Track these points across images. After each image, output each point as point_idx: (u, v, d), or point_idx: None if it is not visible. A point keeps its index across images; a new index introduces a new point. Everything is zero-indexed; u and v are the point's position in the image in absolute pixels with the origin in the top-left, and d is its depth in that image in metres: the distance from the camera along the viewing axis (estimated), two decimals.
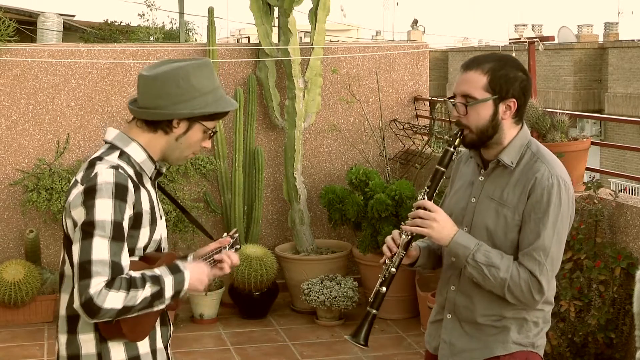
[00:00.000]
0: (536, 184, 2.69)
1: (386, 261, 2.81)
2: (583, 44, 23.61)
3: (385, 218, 6.33)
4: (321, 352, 5.98)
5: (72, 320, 2.55)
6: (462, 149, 2.85)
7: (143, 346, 2.60)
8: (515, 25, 36.46)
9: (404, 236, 2.80)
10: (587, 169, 5.65)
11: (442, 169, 2.80)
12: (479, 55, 2.86)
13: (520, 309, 2.77)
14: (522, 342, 2.79)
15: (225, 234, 2.90)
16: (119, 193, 2.46)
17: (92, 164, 2.53)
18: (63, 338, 2.58)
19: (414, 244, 2.89)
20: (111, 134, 2.62)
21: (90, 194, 2.45)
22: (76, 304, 2.41)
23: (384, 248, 2.85)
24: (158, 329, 2.66)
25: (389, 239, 2.85)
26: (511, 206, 2.72)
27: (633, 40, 22.47)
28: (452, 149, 2.78)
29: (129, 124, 2.65)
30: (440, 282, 2.97)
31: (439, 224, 2.73)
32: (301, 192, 7.00)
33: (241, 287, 6.55)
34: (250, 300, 6.61)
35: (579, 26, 28.73)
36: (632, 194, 14.73)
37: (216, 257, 2.76)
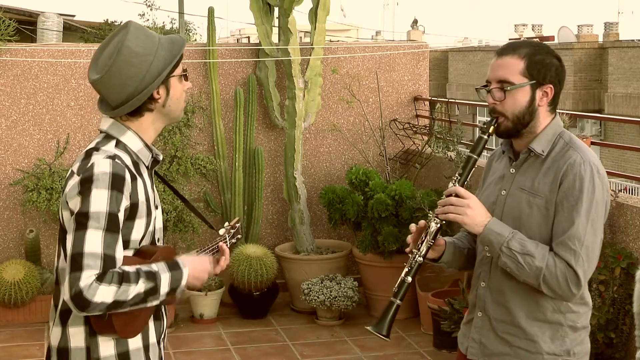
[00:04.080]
0: (568, 170, 2.59)
1: (413, 250, 2.70)
2: (583, 44, 23.61)
3: (385, 218, 6.33)
4: (321, 352, 5.98)
5: (65, 314, 2.54)
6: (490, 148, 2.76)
7: (134, 342, 2.56)
8: (515, 25, 36.51)
9: (433, 224, 2.66)
10: None
11: (475, 156, 2.70)
12: (514, 41, 2.76)
13: (555, 311, 2.66)
14: (555, 352, 2.67)
15: (226, 223, 2.89)
16: (116, 183, 2.43)
17: (88, 155, 2.51)
18: (57, 330, 2.58)
19: (440, 239, 2.77)
20: (106, 122, 2.60)
21: (86, 184, 2.43)
22: (66, 297, 2.38)
23: (408, 237, 2.74)
24: (151, 323, 2.62)
25: (413, 226, 2.73)
26: (543, 195, 2.62)
27: (633, 40, 22.47)
28: (485, 137, 2.69)
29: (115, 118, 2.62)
30: (472, 279, 2.86)
31: (473, 210, 2.61)
32: (301, 192, 7.01)
33: (241, 287, 6.55)
34: (250, 300, 6.61)
35: (579, 26, 28.74)
36: (632, 194, 14.70)
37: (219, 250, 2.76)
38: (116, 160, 2.47)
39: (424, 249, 2.68)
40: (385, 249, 6.35)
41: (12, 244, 6.94)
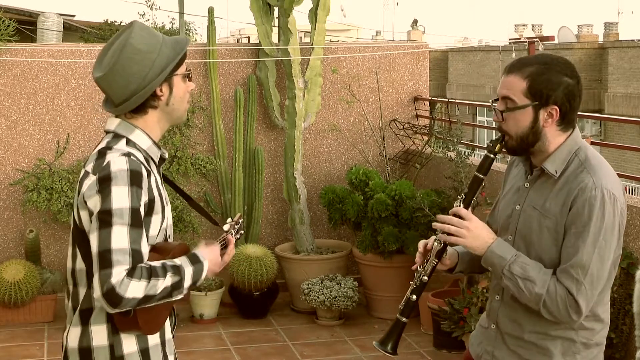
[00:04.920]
0: (578, 195, 2.52)
1: (418, 268, 2.71)
2: (583, 44, 23.64)
3: (385, 218, 6.33)
4: (321, 352, 5.98)
5: (86, 313, 2.54)
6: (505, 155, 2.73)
7: (153, 338, 2.61)
8: (515, 25, 36.47)
9: (436, 244, 2.67)
10: None
11: (481, 176, 2.67)
12: (525, 57, 2.71)
13: (567, 328, 2.61)
14: None
15: (229, 219, 2.90)
16: (135, 179, 2.45)
17: (102, 154, 2.52)
18: (76, 331, 2.55)
19: (451, 249, 2.75)
20: (113, 123, 2.62)
21: (105, 182, 2.43)
22: (97, 294, 2.37)
23: (417, 256, 2.74)
24: (167, 319, 2.67)
25: (421, 244, 2.73)
26: (553, 217, 2.57)
27: (633, 40, 22.49)
28: (492, 156, 2.65)
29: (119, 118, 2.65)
30: (489, 289, 2.84)
31: (472, 233, 2.60)
32: (301, 192, 7.01)
33: (241, 287, 6.55)
34: (250, 300, 6.61)
35: (579, 26, 28.75)
36: (632, 194, 14.72)
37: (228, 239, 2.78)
38: (131, 157, 2.50)
39: (428, 268, 2.69)
40: (385, 249, 6.35)
41: (12, 244, 6.94)
